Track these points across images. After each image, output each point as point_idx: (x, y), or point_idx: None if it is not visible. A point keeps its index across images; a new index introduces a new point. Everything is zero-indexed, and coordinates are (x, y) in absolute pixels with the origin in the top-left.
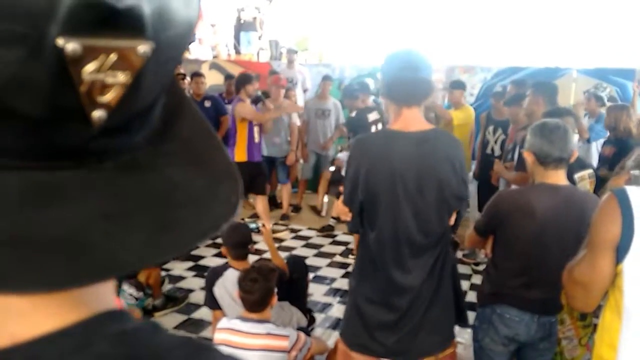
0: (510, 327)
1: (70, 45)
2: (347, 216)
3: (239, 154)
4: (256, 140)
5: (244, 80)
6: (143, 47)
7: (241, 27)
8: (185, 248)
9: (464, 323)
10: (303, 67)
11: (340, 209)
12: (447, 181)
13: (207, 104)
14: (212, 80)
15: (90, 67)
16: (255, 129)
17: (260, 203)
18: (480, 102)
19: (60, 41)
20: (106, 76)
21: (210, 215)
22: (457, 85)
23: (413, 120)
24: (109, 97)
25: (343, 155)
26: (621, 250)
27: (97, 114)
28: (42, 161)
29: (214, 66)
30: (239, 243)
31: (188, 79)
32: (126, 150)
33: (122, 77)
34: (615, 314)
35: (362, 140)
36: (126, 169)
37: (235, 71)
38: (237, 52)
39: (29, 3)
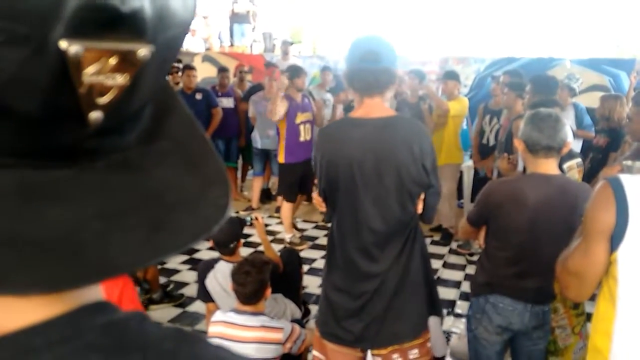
0: (503, 316)
1: (73, 48)
2: (322, 207)
3: (280, 155)
4: (301, 138)
5: (295, 74)
6: (144, 50)
7: (234, 19)
8: (179, 249)
9: (436, 313)
10: (298, 59)
11: (316, 199)
12: (405, 167)
13: (199, 96)
14: (206, 72)
15: (91, 70)
16: (302, 128)
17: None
18: (474, 92)
19: (63, 43)
20: (106, 78)
21: (201, 217)
22: (451, 76)
23: (375, 108)
24: (107, 98)
25: None
26: (615, 239)
27: (94, 115)
28: (37, 160)
29: (207, 58)
30: (221, 242)
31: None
32: (117, 149)
33: (120, 79)
34: (610, 303)
35: (324, 129)
36: (117, 169)
37: (229, 63)
38: (231, 44)
39: (33, 3)
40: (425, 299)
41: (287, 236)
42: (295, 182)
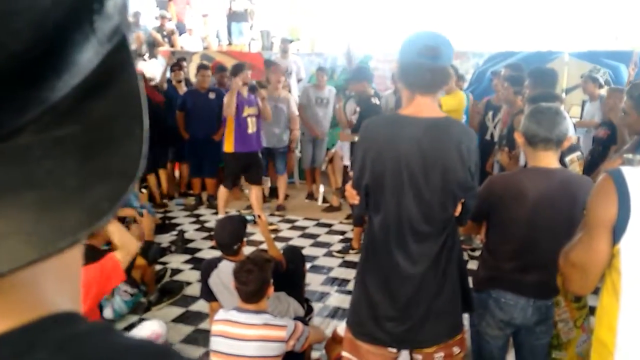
0: (506, 311)
1: None
2: (355, 199)
3: (227, 145)
4: (249, 130)
5: (238, 69)
6: None
7: (232, 17)
8: (18, 263)
9: (469, 309)
10: (297, 57)
11: (349, 192)
12: (452, 168)
13: (212, 95)
14: None
15: None
16: (249, 120)
17: (254, 193)
18: (473, 87)
19: None
20: None
21: (61, 223)
22: None
23: (426, 107)
24: None
25: (339, 146)
26: (618, 231)
27: None
28: None
29: (205, 57)
30: (225, 244)
31: (185, 69)
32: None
33: None
34: (613, 296)
35: (371, 124)
36: None
37: (227, 62)
38: (229, 42)
39: None
40: (461, 297)
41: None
42: (238, 171)
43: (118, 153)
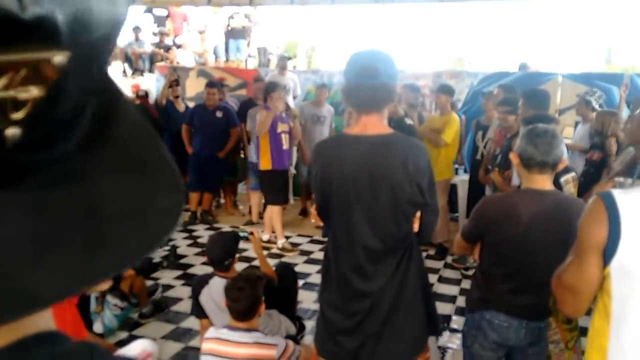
0: (499, 332)
1: None
2: (319, 221)
3: (263, 163)
4: (284, 147)
5: (271, 88)
6: (59, 58)
7: (230, 34)
8: (120, 267)
9: (435, 332)
10: (293, 74)
11: (314, 215)
12: (400, 186)
13: (219, 114)
14: (200, 87)
15: None
16: (283, 136)
17: (269, 212)
18: (467, 107)
19: None
20: (17, 92)
21: (147, 228)
22: (444, 90)
23: (370, 125)
24: (22, 113)
25: None
26: (608, 253)
27: (11, 132)
28: None
29: (202, 73)
30: (216, 259)
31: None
32: (51, 162)
33: (36, 91)
34: (604, 318)
35: (319, 145)
36: (53, 183)
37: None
38: (226, 59)
39: None
40: (423, 318)
41: (280, 242)
42: (282, 187)
43: (161, 170)
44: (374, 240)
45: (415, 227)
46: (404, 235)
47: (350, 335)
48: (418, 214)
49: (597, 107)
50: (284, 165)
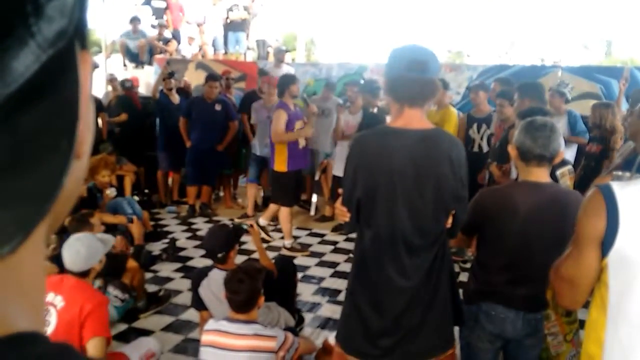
0: (496, 324)
1: None
2: (346, 217)
3: (278, 164)
4: (300, 145)
5: (287, 82)
6: None
7: (229, 27)
8: None
9: (460, 322)
10: (290, 67)
11: (339, 210)
12: (445, 180)
13: (218, 107)
14: (199, 80)
15: None
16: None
17: (282, 212)
18: (466, 100)
19: None
20: None
21: None
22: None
23: (415, 119)
24: None
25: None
26: (606, 245)
27: None
28: None
29: (201, 66)
30: (213, 251)
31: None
32: None
33: None
34: (601, 310)
35: (361, 138)
36: None
37: (222, 71)
38: (225, 51)
39: None
40: (452, 311)
41: (287, 242)
42: (294, 188)
43: (36, 170)
44: (415, 234)
45: (449, 223)
46: (440, 230)
47: (385, 333)
48: (453, 210)
49: (569, 98)
50: (299, 166)
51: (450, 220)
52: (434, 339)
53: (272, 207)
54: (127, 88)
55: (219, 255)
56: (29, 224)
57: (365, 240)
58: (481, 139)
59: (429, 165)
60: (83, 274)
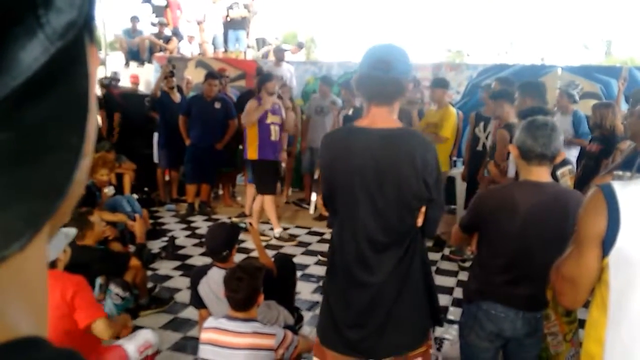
0: (495, 323)
1: None
2: (325, 212)
3: (250, 152)
4: (272, 137)
5: (263, 79)
6: None
7: (229, 25)
8: None
9: (437, 323)
10: (290, 66)
11: (319, 204)
12: (406, 180)
13: (217, 105)
14: (199, 78)
15: None
16: (272, 128)
17: (259, 203)
18: (466, 99)
19: None
20: None
21: None
22: (439, 84)
23: (380, 118)
24: None
25: None
26: (607, 244)
27: None
28: None
29: (200, 64)
30: (215, 250)
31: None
32: None
33: None
34: (601, 309)
35: (327, 136)
36: None
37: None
38: (225, 50)
39: None
40: (426, 309)
41: (276, 231)
42: (272, 175)
43: (46, 165)
44: (378, 232)
45: (419, 221)
46: (407, 229)
47: (352, 326)
48: (423, 209)
49: (577, 99)
50: (271, 156)
51: (420, 220)
52: (402, 335)
53: (256, 206)
54: (106, 85)
55: (224, 253)
56: (39, 220)
57: (333, 236)
58: (486, 137)
59: (389, 165)
60: (50, 265)
